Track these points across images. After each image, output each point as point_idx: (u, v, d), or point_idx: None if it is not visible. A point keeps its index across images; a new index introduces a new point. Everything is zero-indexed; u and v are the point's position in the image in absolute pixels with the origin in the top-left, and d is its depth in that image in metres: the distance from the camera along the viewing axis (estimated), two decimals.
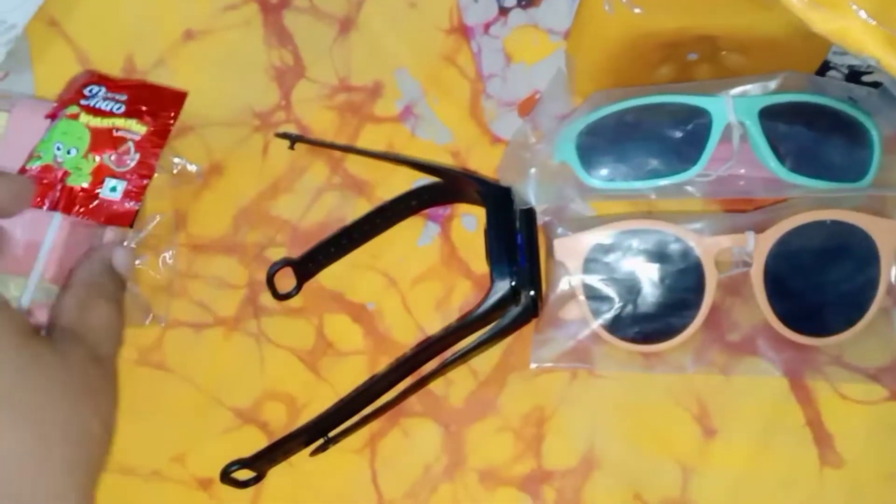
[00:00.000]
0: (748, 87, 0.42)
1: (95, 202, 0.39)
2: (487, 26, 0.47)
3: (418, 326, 0.43)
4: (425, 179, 0.44)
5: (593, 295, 0.41)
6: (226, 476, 0.39)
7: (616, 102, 0.42)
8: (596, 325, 0.41)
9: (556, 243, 0.41)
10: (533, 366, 0.42)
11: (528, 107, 0.46)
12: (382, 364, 0.42)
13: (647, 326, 0.41)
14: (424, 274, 0.43)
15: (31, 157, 0.39)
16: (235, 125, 0.45)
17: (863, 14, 0.34)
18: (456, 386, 0.42)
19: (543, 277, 0.42)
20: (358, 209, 0.44)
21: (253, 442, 0.41)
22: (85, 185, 0.38)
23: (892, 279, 0.41)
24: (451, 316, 0.43)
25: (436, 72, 0.46)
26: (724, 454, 0.41)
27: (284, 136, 0.45)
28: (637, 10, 0.39)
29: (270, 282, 0.43)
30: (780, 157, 0.40)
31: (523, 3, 0.47)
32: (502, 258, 0.41)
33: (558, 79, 0.45)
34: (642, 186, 0.42)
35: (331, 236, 0.43)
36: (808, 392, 0.41)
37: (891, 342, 0.41)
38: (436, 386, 0.42)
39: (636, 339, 0.41)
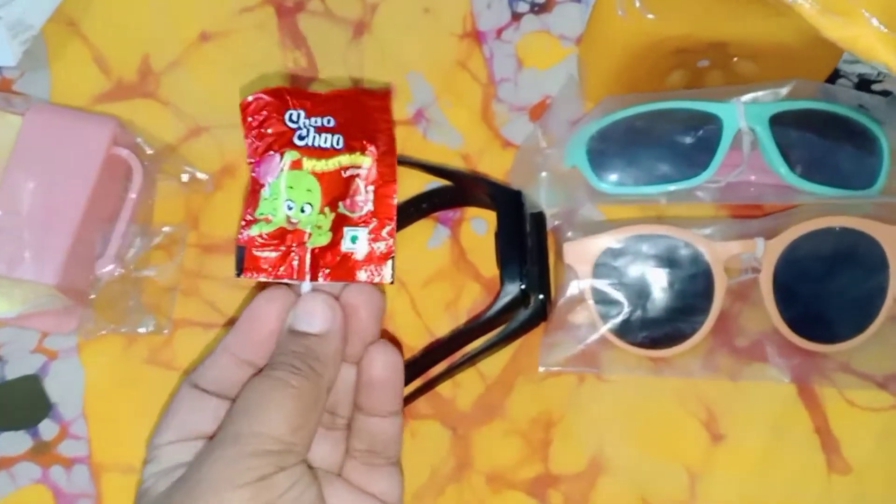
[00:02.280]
0: (759, 93, 0.42)
1: (338, 258, 0.33)
2: (500, 31, 0.47)
3: (427, 328, 0.43)
4: (436, 182, 0.44)
5: (602, 299, 0.41)
6: None
7: (627, 108, 0.42)
8: (604, 329, 0.41)
9: (566, 247, 0.42)
10: (541, 369, 0.42)
11: (539, 111, 0.46)
12: None
13: (655, 331, 0.41)
14: (434, 276, 0.44)
15: (254, 219, 0.33)
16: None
17: (875, 21, 0.34)
18: (464, 389, 0.42)
19: (552, 281, 0.42)
20: None
21: None
22: (322, 244, 0.33)
23: None
24: (460, 318, 0.43)
25: (448, 76, 0.46)
26: (732, 459, 0.41)
27: None
28: (650, 16, 0.39)
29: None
30: (790, 164, 0.41)
31: (536, 8, 0.47)
32: (512, 261, 0.41)
33: (570, 84, 0.46)
34: (652, 191, 0.42)
35: None
36: (816, 398, 0.41)
37: None
38: (444, 388, 0.42)
39: (644, 344, 0.41)
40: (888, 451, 0.41)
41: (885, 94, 0.45)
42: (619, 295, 0.41)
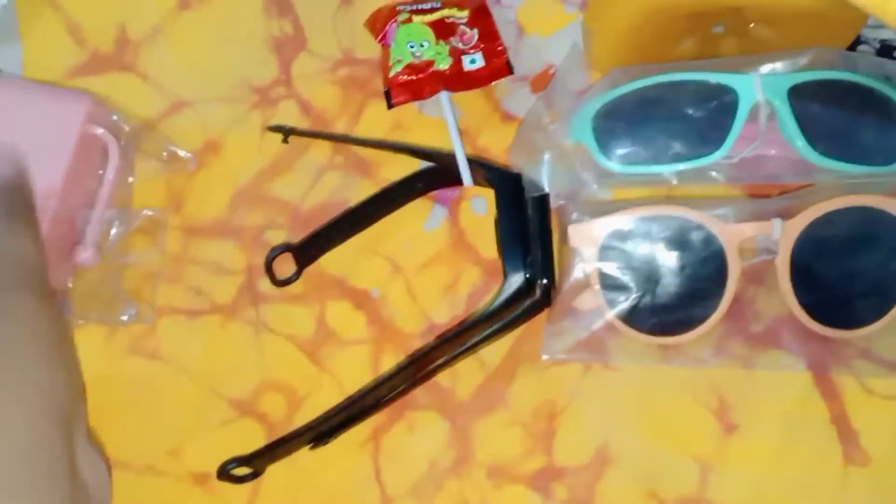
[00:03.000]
0: (777, 64, 0.39)
1: (464, 77, 0.42)
2: None
3: (424, 314, 0.41)
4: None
5: (609, 284, 0.39)
6: (223, 473, 0.38)
7: (636, 80, 0.39)
8: (611, 315, 0.39)
9: (571, 229, 0.39)
10: (544, 357, 0.40)
11: (541, 82, 0.43)
12: (386, 353, 0.40)
13: (665, 317, 0.39)
14: (431, 259, 0.41)
15: (389, 67, 0.41)
16: (233, 101, 0.43)
17: None
18: (463, 378, 0.40)
19: (556, 264, 0.40)
20: (362, 191, 0.42)
21: (251, 434, 0.39)
22: (447, 66, 0.41)
23: None
24: (459, 303, 0.41)
25: None
26: (745, 451, 0.39)
27: (276, 129, 0.42)
28: None
29: (269, 267, 0.41)
30: (810, 139, 0.38)
31: None
32: (514, 250, 0.39)
33: (574, 53, 0.43)
34: (663, 170, 0.39)
35: (333, 219, 0.41)
36: (834, 387, 0.39)
37: None
38: (442, 378, 0.40)
39: (654, 331, 0.39)
40: None
41: None
42: (626, 279, 0.39)
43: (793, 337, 0.40)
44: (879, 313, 0.39)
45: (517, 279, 0.38)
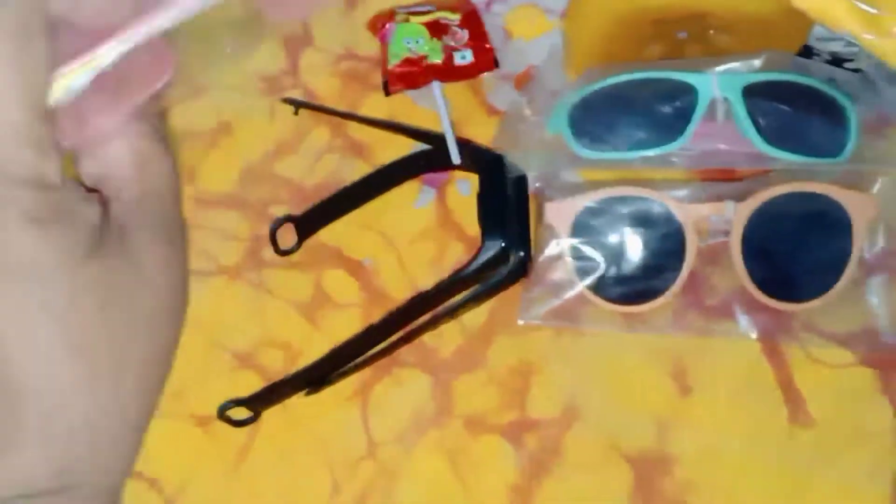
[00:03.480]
0: (733, 65, 0.44)
1: (455, 70, 0.46)
2: (489, 4, 0.49)
3: (412, 283, 0.45)
4: (423, 145, 0.46)
5: (580, 257, 0.43)
6: (222, 414, 0.41)
7: (607, 77, 0.44)
8: (582, 286, 0.43)
9: (547, 206, 0.43)
10: (520, 322, 0.44)
11: (523, 80, 0.48)
12: (376, 316, 0.44)
13: (629, 288, 0.43)
14: (420, 234, 0.46)
15: (387, 60, 0.46)
16: (244, 89, 0.48)
17: None
18: (446, 339, 0.44)
19: (533, 241, 0.44)
20: (358, 171, 0.46)
21: (250, 385, 0.43)
22: (440, 60, 0.46)
23: (864, 252, 0.43)
24: (444, 274, 0.44)
25: None
26: (699, 411, 0.42)
27: (289, 101, 0.47)
28: None
29: (273, 237, 0.45)
30: (762, 132, 0.43)
31: None
32: (493, 220, 0.43)
33: (554, 55, 0.48)
34: (630, 157, 0.44)
35: (331, 196, 0.46)
36: (781, 355, 0.43)
37: (860, 311, 0.43)
38: (427, 338, 0.44)
39: (619, 301, 0.43)
40: (849, 406, 0.42)
41: (857, 71, 0.47)
42: (595, 253, 0.43)
43: (745, 309, 0.43)
44: (823, 289, 0.43)
45: (493, 246, 0.42)
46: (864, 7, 0.36)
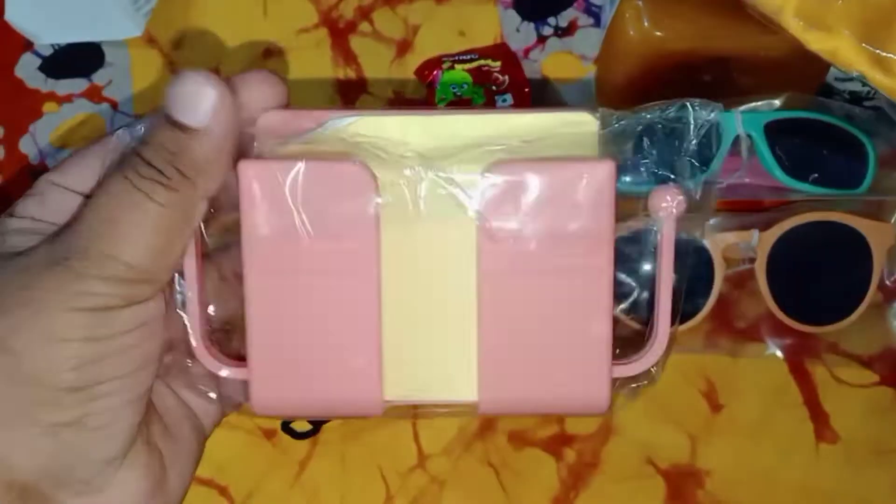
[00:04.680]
0: (755, 104, 0.47)
1: None
2: (527, 51, 0.53)
3: None
4: None
5: (615, 282, 0.46)
6: (286, 426, 0.45)
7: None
8: (616, 309, 0.46)
9: None
10: None
11: None
12: None
13: None
14: None
15: (436, 102, 0.50)
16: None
17: (851, 35, 0.39)
18: None
19: None
20: None
21: None
22: (482, 104, 0.50)
23: (884, 277, 0.46)
24: None
25: None
26: (729, 427, 0.45)
27: None
28: (658, 34, 0.45)
29: None
30: (783, 166, 0.46)
31: (559, 32, 0.53)
32: None
33: (587, 97, 0.51)
34: None
35: None
36: (807, 375, 0.46)
37: (882, 333, 0.46)
38: None
39: (651, 323, 0.46)
40: (872, 424, 0.45)
41: (875, 109, 0.51)
42: (630, 279, 0.46)
43: (772, 331, 0.46)
44: (845, 313, 0.46)
45: None
46: (872, 49, 0.40)
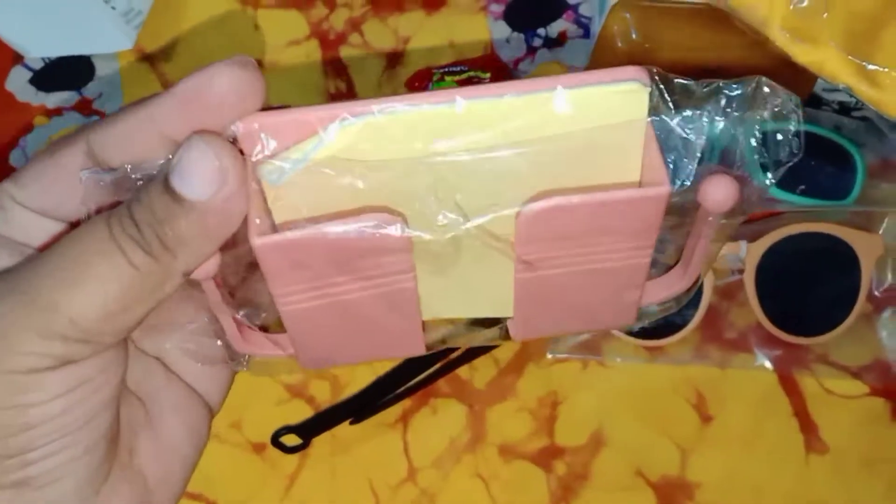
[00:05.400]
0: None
1: None
2: (517, 62, 0.53)
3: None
4: None
5: None
6: (276, 440, 0.45)
7: None
8: None
9: None
10: (549, 356, 0.47)
11: None
12: None
13: (650, 323, 0.46)
14: None
15: None
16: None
17: (837, 47, 0.40)
18: (480, 372, 0.47)
19: None
20: None
21: (300, 413, 0.46)
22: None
23: (873, 288, 0.46)
24: None
25: None
26: (719, 438, 0.45)
27: None
28: (646, 45, 0.45)
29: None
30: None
31: (549, 43, 0.53)
32: None
33: None
34: None
35: None
36: (796, 386, 0.46)
37: (871, 344, 0.46)
38: (461, 371, 0.47)
39: (642, 335, 0.46)
40: (862, 435, 0.45)
41: (864, 119, 0.51)
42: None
43: (761, 342, 0.46)
44: (834, 324, 0.46)
45: None
46: (858, 61, 0.40)
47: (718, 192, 0.26)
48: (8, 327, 0.22)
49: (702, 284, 0.46)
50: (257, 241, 0.23)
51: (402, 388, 0.46)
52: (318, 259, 0.24)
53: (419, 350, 0.29)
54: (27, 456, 0.23)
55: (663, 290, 0.31)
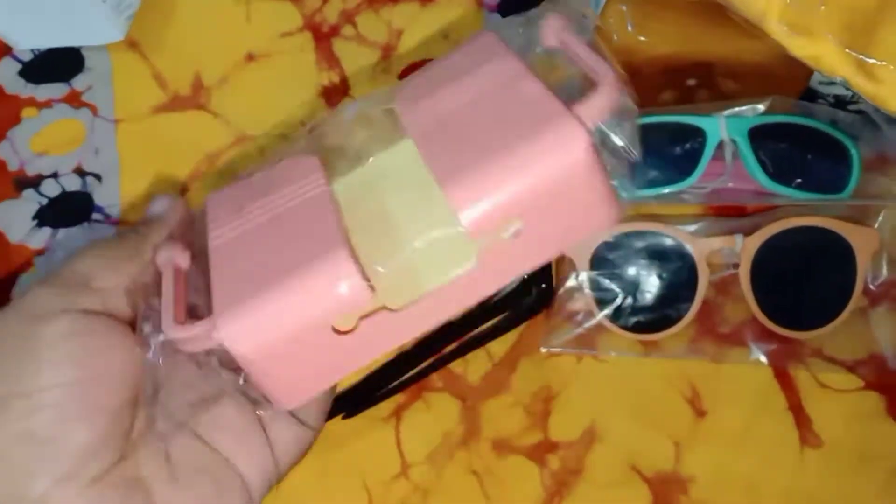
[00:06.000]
0: (739, 108, 0.47)
1: None
2: None
3: None
4: None
5: (599, 288, 0.46)
6: None
7: None
8: (601, 315, 0.46)
9: None
10: (543, 350, 0.47)
11: None
12: (408, 345, 0.47)
13: (645, 317, 0.46)
14: None
15: None
16: (288, 137, 0.52)
17: (834, 40, 0.39)
18: (473, 366, 0.47)
19: (555, 274, 0.47)
20: None
21: None
22: None
23: (868, 282, 0.46)
24: None
25: None
26: (713, 433, 0.45)
27: None
28: (641, 38, 0.45)
29: None
30: (767, 171, 0.46)
31: None
32: None
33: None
34: (645, 194, 0.47)
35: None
36: (791, 380, 0.46)
37: (866, 338, 0.46)
38: (455, 366, 0.47)
39: (636, 329, 0.46)
40: (857, 429, 0.45)
41: (860, 112, 0.50)
42: (613, 285, 0.46)
43: (755, 336, 0.46)
44: (829, 318, 0.46)
45: (515, 280, 0.45)
46: (855, 55, 0.40)
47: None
48: (49, 284, 0.32)
49: (697, 279, 0.46)
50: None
51: (396, 383, 0.46)
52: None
53: (343, 252, 0.31)
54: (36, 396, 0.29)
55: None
